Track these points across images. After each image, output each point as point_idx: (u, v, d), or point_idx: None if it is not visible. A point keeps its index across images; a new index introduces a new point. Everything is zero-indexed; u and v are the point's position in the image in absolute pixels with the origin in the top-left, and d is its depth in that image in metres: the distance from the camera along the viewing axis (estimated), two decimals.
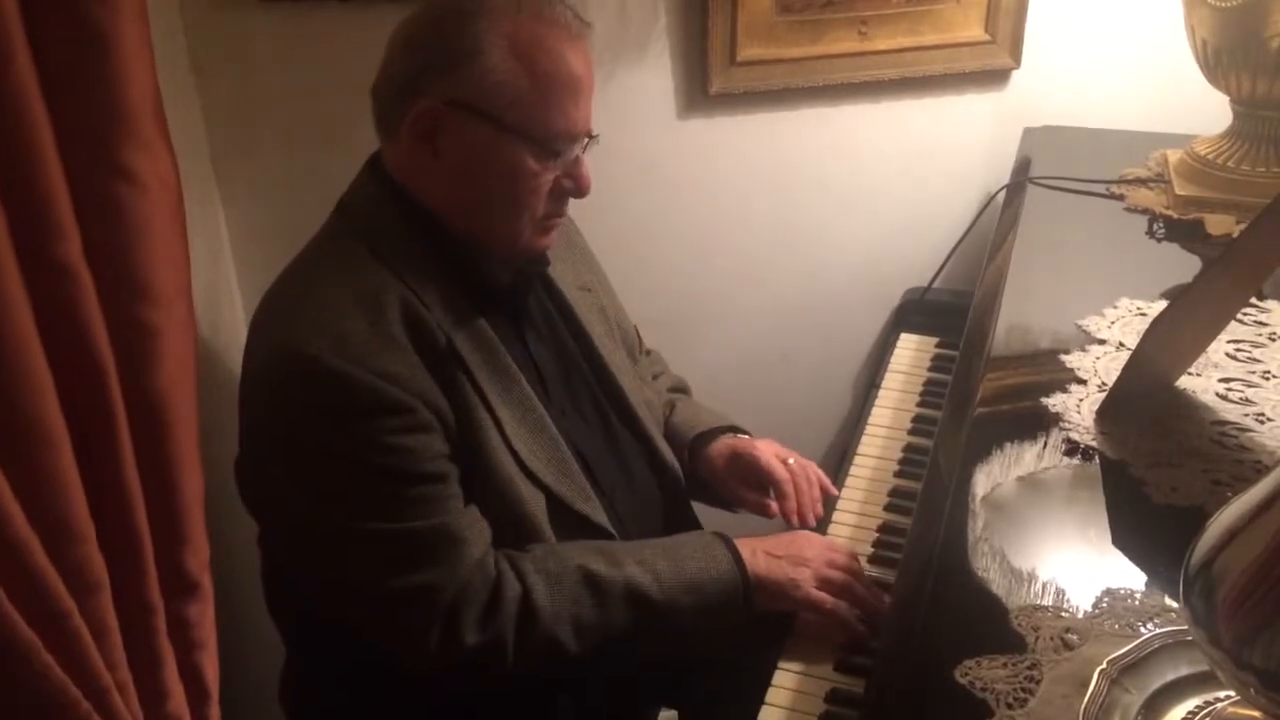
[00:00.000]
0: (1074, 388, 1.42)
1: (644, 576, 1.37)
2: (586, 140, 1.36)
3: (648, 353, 1.76)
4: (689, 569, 1.39)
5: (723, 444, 1.63)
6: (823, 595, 1.41)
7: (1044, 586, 1.13)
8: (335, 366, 1.24)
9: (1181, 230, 1.77)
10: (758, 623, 1.43)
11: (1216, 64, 1.71)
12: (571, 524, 1.40)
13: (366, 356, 1.26)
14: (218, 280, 1.79)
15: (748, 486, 1.60)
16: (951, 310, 1.99)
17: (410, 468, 1.28)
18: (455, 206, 1.35)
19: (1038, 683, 1.01)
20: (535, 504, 1.37)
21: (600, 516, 1.42)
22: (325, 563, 1.34)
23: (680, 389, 1.79)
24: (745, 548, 1.43)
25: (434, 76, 1.28)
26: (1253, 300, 1.55)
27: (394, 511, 1.28)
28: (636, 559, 1.38)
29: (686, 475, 1.63)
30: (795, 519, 1.56)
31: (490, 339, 1.36)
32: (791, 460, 1.61)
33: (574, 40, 1.30)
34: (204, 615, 1.01)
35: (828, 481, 1.62)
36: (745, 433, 1.67)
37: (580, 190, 1.37)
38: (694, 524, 1.61)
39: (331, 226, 1.40)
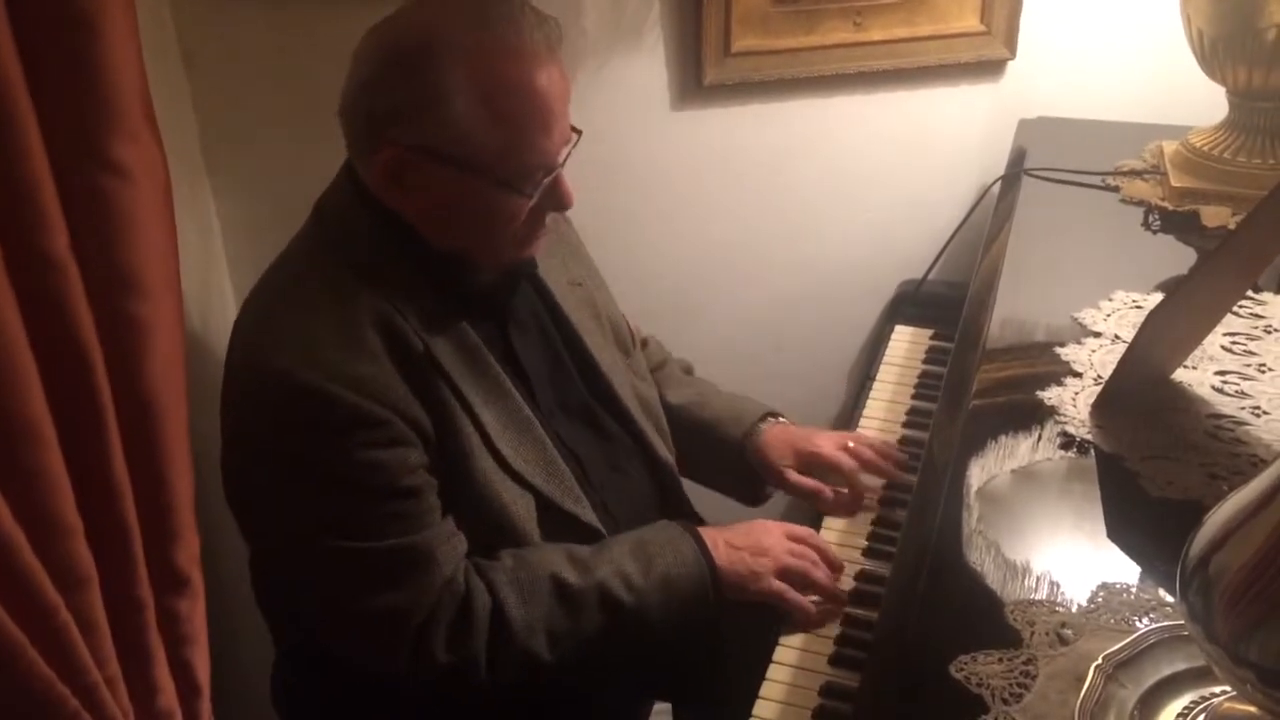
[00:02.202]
0: (1069, 380, 1.42)
1: (615, 580, 1.36)
2: (566, 153, 1.32)
3: (644, 343, 1.75)
4: (658, 566, 1.39)
5: (775, 438, 1.65)
6: (782, 586, 1.42)
7: (1039, 580, 1.13)
8: (306, 379, 1.23)
9: (1177, 222, 1.76)
10: (745, 612, 1.43)
11: (1213, 55, 1.71)
12: (560, 524, 1.39)
13: (338, 368, 1.24)
14: (209, 272, 1.78)
15: (804, 473, 1.63)
16: (946, 302, 1.99)
17: (383, 483, 1.26)
18: (431, 231, 1.32)
19: (1033, 678, 1.00)
20: (521, 506, 1.36)
21: (589, 515, 1.41)
22: (296, 576, 1.35)
23: (688, 371, 1.79)
24: (708, 537, 1.44)
25: (399, 120, 1.25)
26: (1249, 293, 1.54)
27: (366, 530, 1.27)
28: (607, 560, 1.38)
29: (720, 467, 1.67)
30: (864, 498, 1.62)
31: (472, 342, 1.34)
32: (852, 444, 1.65)
33: (543, 64, 1.25)
34: (194, 610, 1.00)
35: (890, 448, 1.67)
36: (779, 415, 1.70)
37: (562, 207, 1.34)
38: (690, 517, 1.60)
39: (307, 232, 1.38)
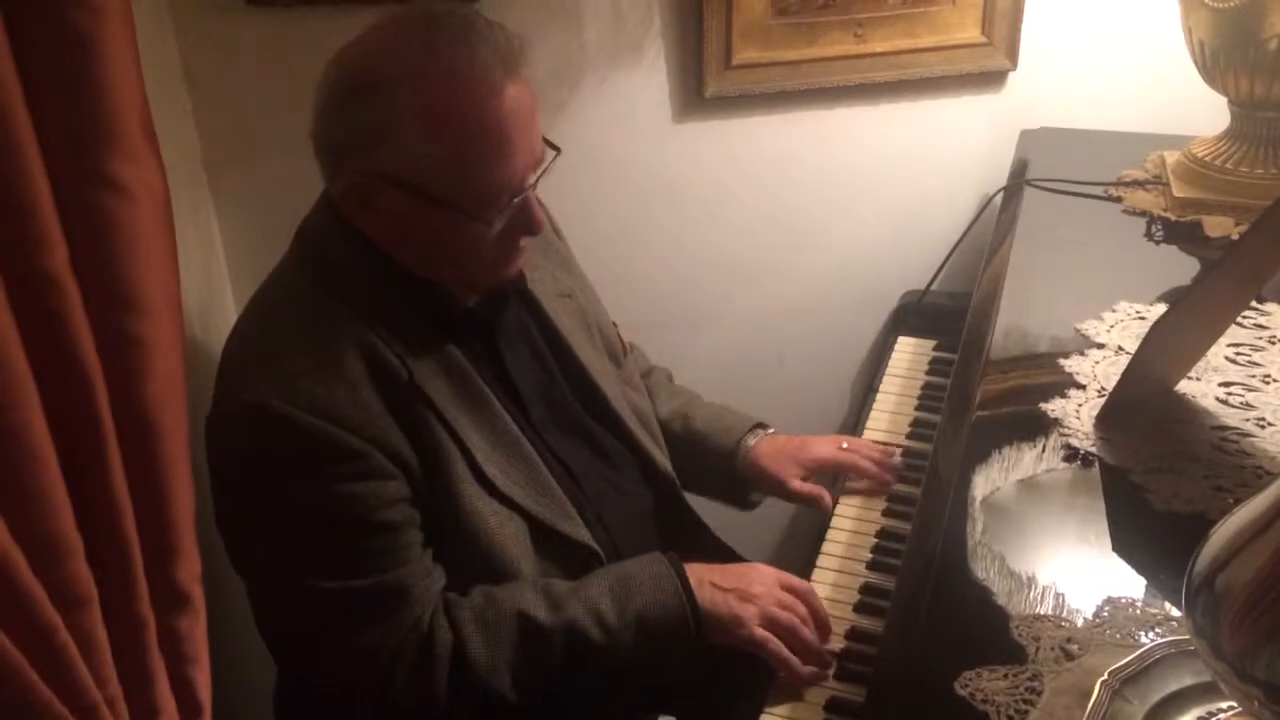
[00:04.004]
0: (1073, 392, 1.41)
1: (586, 619, 1.33)
2: (540, 173, 1.29)
3: (631, 346, 1.73)
4: (634, 604, 1.35)
5: (772, 451, 1.66)
6: (765, 635, 1.36)
7: (1044, 592, 1.12)
8: (281, 411, 1.21)
9: (1180, 232, 1.76)
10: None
11: (1214, 65, 1.70)
12: (554, 544, 1.38)
13: (315, 400, 1.22)
14: (211, 287, 1.78)
15: (801, 479, 1.64)
16: (949, 313, 1.98)
17: (359, 518, 1.25)
18: (404, 257, 1.31)
19: (1039, 694, 1.00)
20: (510, 529, 1.34)
21: (582, 534, 1.40)
22: (268, 608, 1.35)
23: (669, 380, 1.78)
24: (694, 576, 1.39)
25: (354, 150, 1.24)
26: (1253, 303, 1.54)
27: (338, 567, 1.26)
28: (583, 598, 1.35)
29: (709, 475, 1.67)
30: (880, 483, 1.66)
31: (459, 364, 1.33)
32: (845, 444, 1.69)
33: (497, 88, 1.21)
34: (195, 628, 1.00)
35: (885, 451, 1.70)
36: (766, 426, 1.70)
37: (532, 231, 1.31)
38: (691, 524, 1.60)
39: (290, 258, 1.38)
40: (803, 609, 1.40)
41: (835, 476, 1.70)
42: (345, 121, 1.24)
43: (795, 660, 1.36)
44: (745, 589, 1.39)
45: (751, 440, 1.67)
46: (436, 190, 1.24)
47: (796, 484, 1.63)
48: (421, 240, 1.30)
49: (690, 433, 1.67)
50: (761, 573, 1.43)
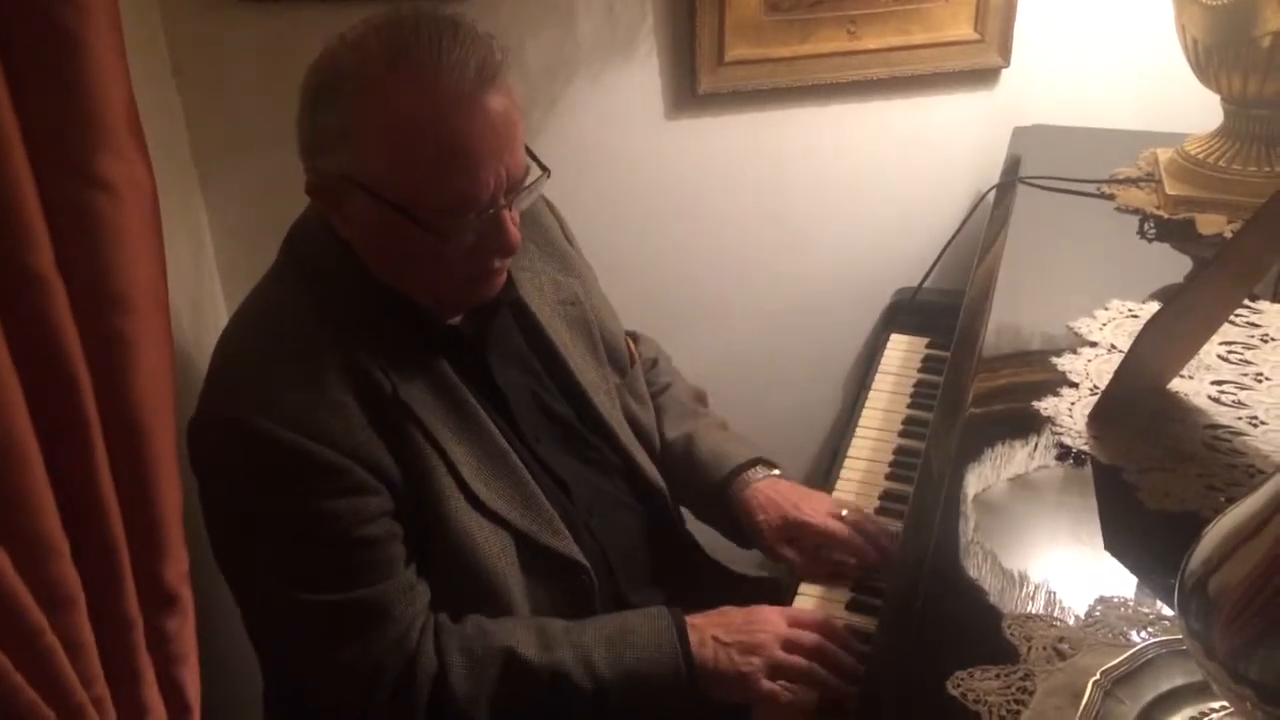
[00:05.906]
0: (1065, 390, 1.41)
1: (575, 665, 1.30)
2: (520, 191, 1.26)
3: (653, 363, 1.73)
4: (628, 659, 1.32)
5: (764, 497, 1.55)
6: (774, 689, 1.32)
7: (1036, 589, 1.12)
8: (258, 427, 1.20)
9: (1172, 230, 1.76)
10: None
11: (1207, 63, 1.70)
12: (541, 559, 1.36)
13: (293, 415, 1.21)
14: (200, 284, 1.77)
15: (793, 548, 1.53)
16: (942, 310, 1.98)
17: (341, 534, 1.23)
18: (376, 266, 1.30)
19: (1031, 694, 0.99)
20: (496, 544, 1.33)
21: (571, 549, 1.38)
22: (250, 616, 1.34)
23: (699, 398, 1.74)
24: (696, 634, 1.34)
25: (320, 150, 1.23)
26: (1245, 301, 1.53)
27: (318, 582, 1.25)
28: (575, 643, 1.32)
29: (706, 509, 1.61)
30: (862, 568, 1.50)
31: (447, 379, 1.32)
32: (845, 512, 1.53)
33: (464, 103, 1.17)
34: (183, 628, 0.99)
35: (883, 525, 1.56)
36: (774, 465, 1.60)
37: (505, 251, 1.27)
38: (682, 541, 1.59)
39: (279, 266, 1.36)
40: (813, 638, 1.36)
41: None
42: (313, 119, 1.23)
43: (808, 696, 1.33)
44: (748, 640, 1.35)
45: (750, 479, 1.57)
46: (395, 198, 1.21)
47: (783, 549, 1.53)
48: (387, 249, 1.28)
49: (687, 462, 1.61)
50: (767, 617, 1.38)
